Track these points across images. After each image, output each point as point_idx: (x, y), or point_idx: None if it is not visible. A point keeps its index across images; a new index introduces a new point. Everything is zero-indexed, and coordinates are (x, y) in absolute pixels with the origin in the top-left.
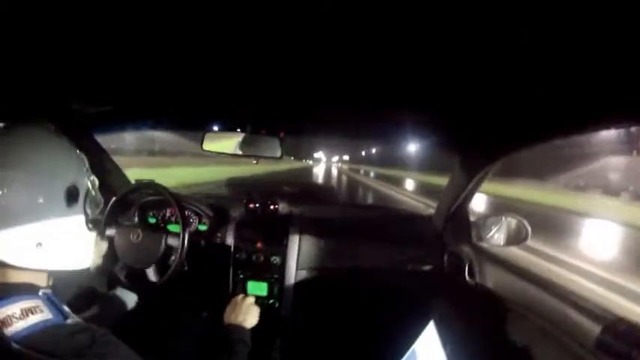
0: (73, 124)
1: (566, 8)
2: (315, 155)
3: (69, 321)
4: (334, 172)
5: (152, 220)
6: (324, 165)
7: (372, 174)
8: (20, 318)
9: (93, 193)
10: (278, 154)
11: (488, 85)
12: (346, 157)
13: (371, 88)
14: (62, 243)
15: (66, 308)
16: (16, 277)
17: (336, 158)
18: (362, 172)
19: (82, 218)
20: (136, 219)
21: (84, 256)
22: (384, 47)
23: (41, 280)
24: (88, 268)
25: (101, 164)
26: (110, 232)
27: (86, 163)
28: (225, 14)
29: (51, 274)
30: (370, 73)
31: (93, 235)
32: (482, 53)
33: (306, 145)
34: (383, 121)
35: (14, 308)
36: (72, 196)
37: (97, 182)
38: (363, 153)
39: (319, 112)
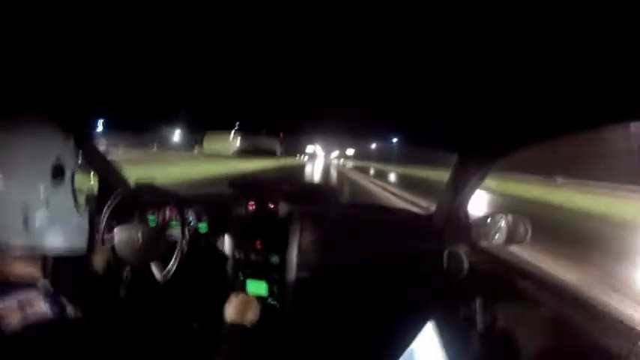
0: (74, 125)
1: (565, 8)
2: (309, 149)
3: (66, 314)
4: (333, 173)
5: (152, 221)
6: (322, 162)
7: (391, 177)
8: (17, 311)
9: (80, 171)
10: (278, 153)
11: (488, 85)
12: (350, 152)
13: (371, 87)
14: (50, 221)
15: (64, 300)
16: (11, 267)
17: (335, 153)
18: (372, 172)
19: (69, 195)
20: (137, 219)
21: (76, 237)
22: (384, 47)
23: (37, 270)
24: (85, 257)
25: (101, 165)
26: (110, 240)
27: (72, 142)
28: (225, 17)
29: (48, 263)
30: (370, 73)
31: (83, 214)
32: (483, 53)
33: (302, 136)
34: (382, 120)
35: (12, 301)
36: (57, 172)
37: (84, 163)
38: (374, 146)
39: (318, 111)
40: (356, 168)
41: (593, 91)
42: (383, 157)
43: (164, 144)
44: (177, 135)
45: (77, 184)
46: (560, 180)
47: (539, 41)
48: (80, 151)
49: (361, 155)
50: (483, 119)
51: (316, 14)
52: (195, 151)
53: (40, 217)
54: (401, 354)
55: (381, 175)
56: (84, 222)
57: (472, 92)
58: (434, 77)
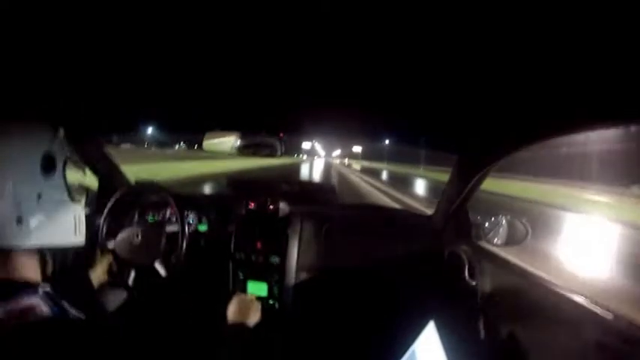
0: (64, 118)
1: (564, 8)
2: (305, 145)
3: (69, 317)
4: (334, 178)
5: (152, 220)
6: (323, 161)
7: (418, 188)
8: (20, 315)
9: (71, 162)
10: (278, 152)
11: (487, 85)
12: (357, 149)
13: (372, 87)
14: (44, 215)
15: (66, 304)
16: (10, 269)
17: (337, 152)
18: (384, 177)
19: (62, 188)
20: (136, 219)
21: (71, 231)
22: (384, 47)
23: (36, 271)
24: (86, 257)
25: (102, 165)
26: (110, 244)
27: (61, 133)
28: (226, 17)
29: (47, 264)
30: (371, 73)
31: (78, 208)
32: (482, 53)
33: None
34: (382, 119)
35: (12, 305)
36: (48, 164)
37: (75, 155)
38: (387, 141)
39: (317, 110)
40: (364, 171)
41: (593, 91)
42: (399, 156)
43: (147, 141)
44: (161, 133)
45: (70, 176)
46: (637, 190)
47: (538, 41)
48: (71, 143)
49: (373, 154)
50: (483, 120)
51: (315, 13)
52: (177, 148)
53: (34, 213)
54: (402, 354)
55: (400, 187)
56: (80, 216)
57: (472, 93)
58: (434, 78)
